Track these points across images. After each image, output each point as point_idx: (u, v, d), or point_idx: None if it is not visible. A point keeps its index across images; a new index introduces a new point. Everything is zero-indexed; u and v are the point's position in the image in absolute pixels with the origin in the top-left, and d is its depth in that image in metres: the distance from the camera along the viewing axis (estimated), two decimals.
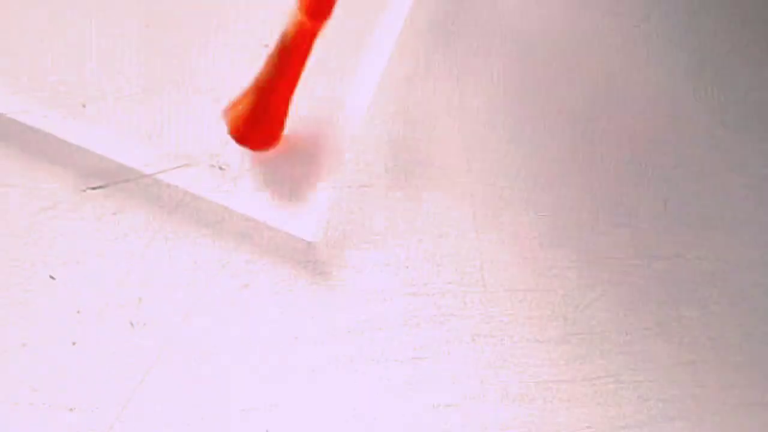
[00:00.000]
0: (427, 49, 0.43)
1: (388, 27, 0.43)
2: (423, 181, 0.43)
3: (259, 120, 0.41)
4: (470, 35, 0.44)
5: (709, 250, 0.42)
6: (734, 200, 0.43)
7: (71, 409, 0.42)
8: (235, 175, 0.42)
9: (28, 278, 0.42)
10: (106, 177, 0.43)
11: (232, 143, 0.43)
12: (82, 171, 0.43)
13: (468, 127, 0.43)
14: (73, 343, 0.42)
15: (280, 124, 0.42)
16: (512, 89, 0.43)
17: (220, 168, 0.42)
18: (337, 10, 0.43)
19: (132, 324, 0.42)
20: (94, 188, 0.43)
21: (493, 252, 0.43)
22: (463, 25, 0.44)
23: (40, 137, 0.42)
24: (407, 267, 0.43)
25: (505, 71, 0.43)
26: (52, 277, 0.43)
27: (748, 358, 0.42)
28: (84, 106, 0.43)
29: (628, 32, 0.43)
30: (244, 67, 0.42)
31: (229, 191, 0.42)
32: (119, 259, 0.43)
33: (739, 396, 0.42)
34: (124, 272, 0.43)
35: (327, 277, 0.43)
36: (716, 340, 0.42)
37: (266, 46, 0.42)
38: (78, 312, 0.42)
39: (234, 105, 0.42)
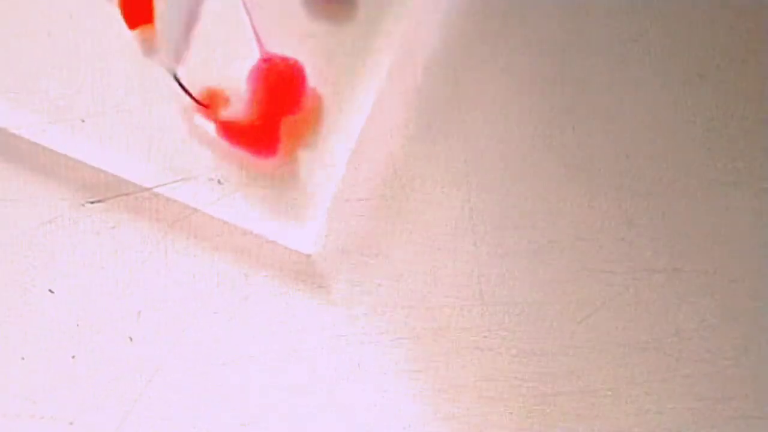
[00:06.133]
0: (425, 65, 0.43)
1: (387, 44, 0.43)
2: (421, 194, 0.43)
3: (256, 126, 0.42)
4: (470, 50, 0.44)
5: (707, 264, 0.42)
6: (733, 213, 0.43)
7: (71, 423, 0.42)
8: (233, 189, 0.43)
9: (27, 292, 0.43)
10: (105, 191, 0.43)
11: (231, 157, 0.43)
12: (80, 185, 0.43)
13: (467, 140, 0.43)
14: (73, 357, 0.42)
15: (277, 132, 0.42)
16: (512, 103, 0.44)
17: (219, 182, 0.43)
18: (337, 22, 0.43)
19: (131, 338, 0.42)
20: (92, 202, 0.43)
21: (490, 265, 0.43)
22: (463, 41, 0.44)
23: (39, 152, 0.43)
24: (405, 280, 0.43)
25: (505, 86, 0.44)
26: (51, 291, 0.43)
27: (746, 371, 0.42)
28: (83, 121, 0.43)
29: (625, 46, 0.43)
30: (243, 82, 0.43)
31: (227, 205, 0.42)
32: (118, 273, 0.43)
33: (738, 409, 0.42)
34: (124, 286, 0.43)
35: (325, 290, 0.43)
36: (714, 353, 0.42)
37: (265, 61, 0.42)
38: (77, 326, 0.42)
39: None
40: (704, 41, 0.43)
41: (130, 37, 0.43)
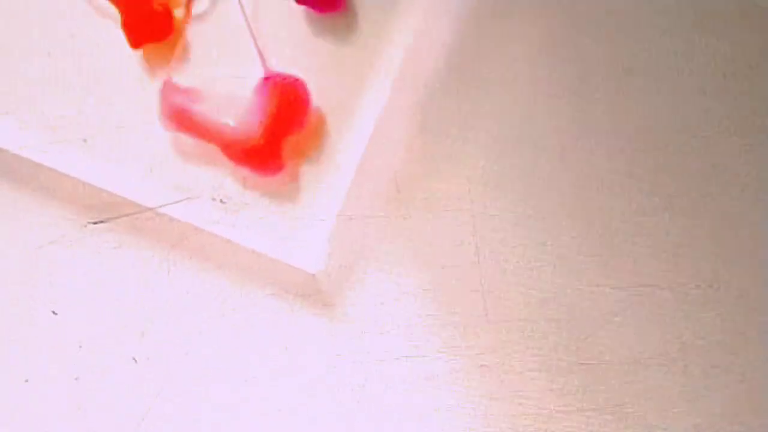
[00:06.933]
0: (429, 81, 0.43)
1: (390, 60, 0.43)
2: (425, 212, 0.43)
3: (259, 144, 0.42)
4: (473, 65, 0.44)
5: (712, 279, 0.42)
6: (737, 228, 0.43)
7: None
8: (236, 208, 0.42)
9: (30, 314, 0.42)
10: (108, 211, 0.43)
11: (234, 176, 0.43)
12: (83, 205, 0.43)
13: (471, 157, 0.43)
14: (76, 379, 0.42)
15: (281, 150, 0.42)
16: (515, 119, 0.44)
17: (222, 201, 0.43)
18: (339, 39, 0.43)
19: (135, 359, 0.42)
20: (95, 223, 0.43)
21: (495, 282, 0.43)
22: (466, 57, 0.44)
23: (41, 172, 0.42)
24: (409, 298, 0.43)
25: (507, 102, 0.43)
26: (54, 313, 0.43)
27: (752, 386, 0.42)
28: (85, 140, 0.43)
29: (627, 60, 0.44)
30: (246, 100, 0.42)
31: (230, 224, 0.42)
32: (121, 294, 0.43)
33: (743, 424, 0.42)
34: (127, 307, 0.42)
35: (330, 309, 0.43)
36: (720, 369, 0.42)
37: (268, 79, 0.42)
38: (80, 347, 0.42)
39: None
40: (706, 56, 0.43)
41: (133, 56, 0.43)
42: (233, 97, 0.42)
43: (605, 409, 0.42)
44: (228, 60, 0.43)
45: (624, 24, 0.43)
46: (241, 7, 0.43)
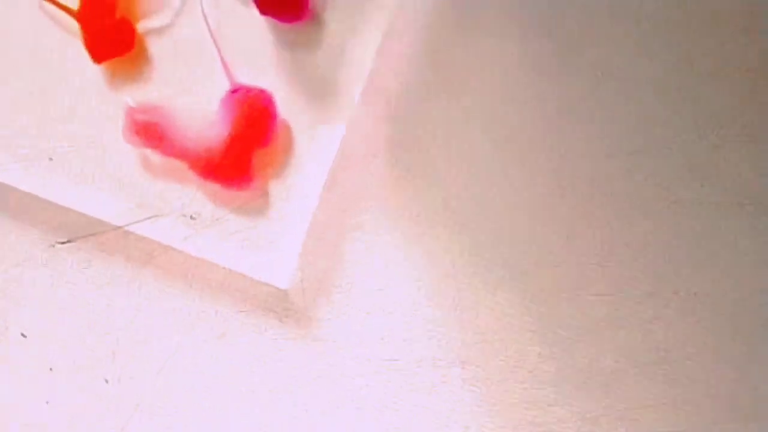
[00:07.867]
0: (397, 91, 0.43)
1: (358, 70, 0.42)
2: (400, 225, 0.42)
3: (228, 157, 0.41)
4: (442, 75, 0.43)
5: (693, 286, 0.42)
6: (717, 235, 0.42)
7: None
8: (206, 225, 0.42)
9: None
10: (75, 231, 0.42)
11: (202, 192, 0.42)
12: (50, 225, 0.42)
13: (443, 167, 0.42)
14: (47, 402, 0.42)
15: (249, 163, 0.41)
16: (489, 128, 0.43)
17: (191, 218, 0.42)
18: (305, 50, 0.42)
19: (106, 380, 0.42)
20: (63, 242, 0.42)
21: (473, 295, 0.42)
22: (434, 66, 0.43)
23: (6, 192, 0.42)
24: (383, 311, 0.42)
25: (481, 111, 0.43)
26: (23, 335, 0.42)
27: (733, 393, 0.41)
28: (51, 159, 0.42)
29: (604, 67, 0.43)
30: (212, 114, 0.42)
31: (200, 241, 0.42)
32: (91, 314, 0.42)
33: (725, 431, 0.41)
34: (97, 327, 0.42)
35: (303, 325, 0.42)
36: (701, 376, 0.41)
37: (234, 92, 0.41)
38: (51, 370, 0.42)
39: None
40: (684, 59, 0.42)
41: (96, 71, 0.43)
42: (199, 111, 0.42)
43: (595, 418, 0.41)
44: (193, 73, 0.42)
45: (600, 29, 0.42)
46: (205, 19, 0.42)
